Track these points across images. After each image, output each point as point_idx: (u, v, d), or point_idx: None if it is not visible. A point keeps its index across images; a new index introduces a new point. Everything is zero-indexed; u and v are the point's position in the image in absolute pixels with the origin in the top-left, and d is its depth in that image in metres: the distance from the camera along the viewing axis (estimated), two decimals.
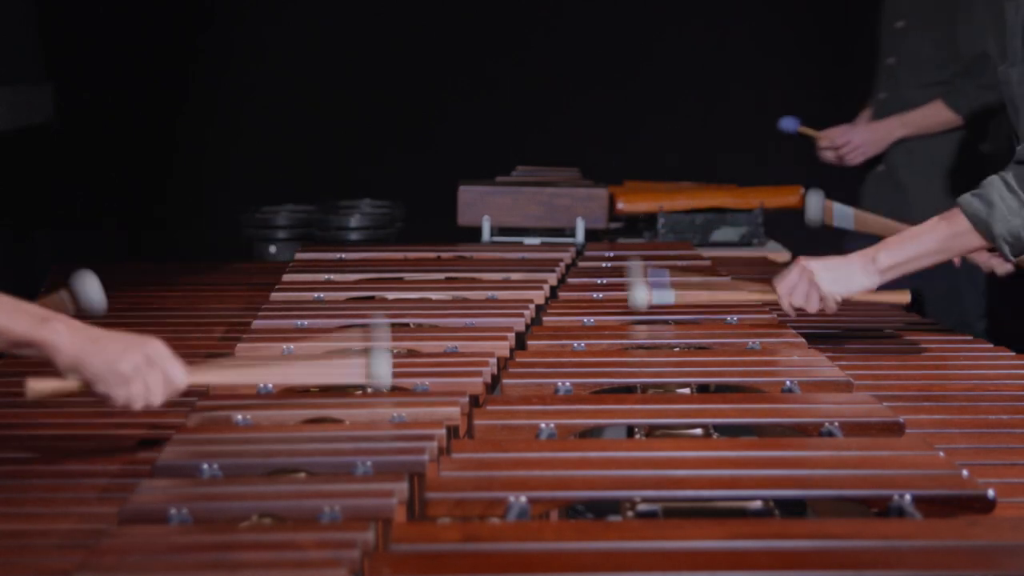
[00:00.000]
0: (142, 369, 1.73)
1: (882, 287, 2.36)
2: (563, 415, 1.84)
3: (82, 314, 1.97)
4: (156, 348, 1.76)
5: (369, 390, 2.01)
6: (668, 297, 2.44)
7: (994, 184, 2.25)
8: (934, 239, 2.30)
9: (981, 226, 2.24)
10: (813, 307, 2.35)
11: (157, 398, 1.76)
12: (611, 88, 4.88)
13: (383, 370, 1.89)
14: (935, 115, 3.75)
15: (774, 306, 2.46)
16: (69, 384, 1.75)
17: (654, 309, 2.48)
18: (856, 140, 3.82)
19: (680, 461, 1.65)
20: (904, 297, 2.44)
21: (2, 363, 2.23)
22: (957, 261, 2.81)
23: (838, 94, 4.65)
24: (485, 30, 5.48)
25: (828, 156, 3.88)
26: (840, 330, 2.57)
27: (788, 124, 3.96)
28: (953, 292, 3.56)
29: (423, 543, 1.34)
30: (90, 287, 1.98)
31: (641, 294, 2.41)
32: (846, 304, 2.39)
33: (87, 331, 1.74)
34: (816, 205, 2.95)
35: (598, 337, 2.34)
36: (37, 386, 1.78)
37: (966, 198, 2.27)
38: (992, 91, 3.59)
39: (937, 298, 3.33)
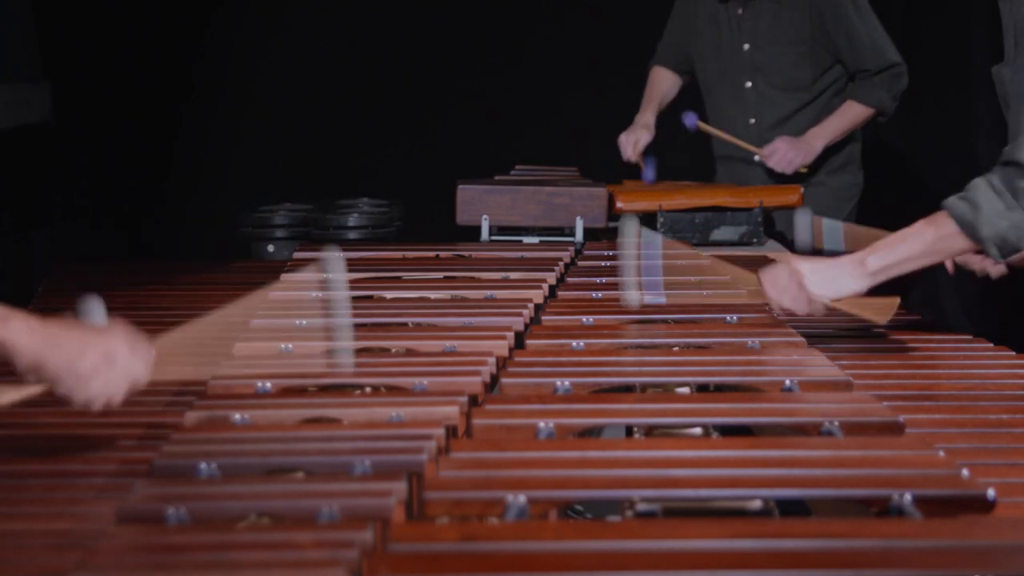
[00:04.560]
0: (100, 368, 1.69)
1: (876, 291, 2.36)
2: (562, 414, 1.83)
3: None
4: (115, 343, 1.72)
5: (368, 390, 2.01)
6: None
7: (979, 187, 2.23)
8: (922, 242, 2.28)
9: (968, 229, 2.23)
10: (802, 310, 2.35)
11: (117, 395, 1.72)
12: (610, 88, 4.87)
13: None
14: (850, 113, 3.95)
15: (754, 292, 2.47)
16: (31, 390, 1.73)
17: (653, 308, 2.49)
18: (781, 147, 3.92)
19: (680, 461, 1.65)
20: (892, 304, 2.43)
21: None
22: (950, 267, 2.80)
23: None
24: (484, 30, 5.48)
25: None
26: (840, 330, 2.57)
27: (689, 120, 4.02)
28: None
29: (421, 543, 1.34)
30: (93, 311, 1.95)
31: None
32: (835, 311, 2.38)
33: (46, 330, 1.69)
34: (804, 225, 2.95)
35: (597, 336, 2.34)
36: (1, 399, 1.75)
37: (952, 201, 2.25)
38: (895, 80, 3.91)
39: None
